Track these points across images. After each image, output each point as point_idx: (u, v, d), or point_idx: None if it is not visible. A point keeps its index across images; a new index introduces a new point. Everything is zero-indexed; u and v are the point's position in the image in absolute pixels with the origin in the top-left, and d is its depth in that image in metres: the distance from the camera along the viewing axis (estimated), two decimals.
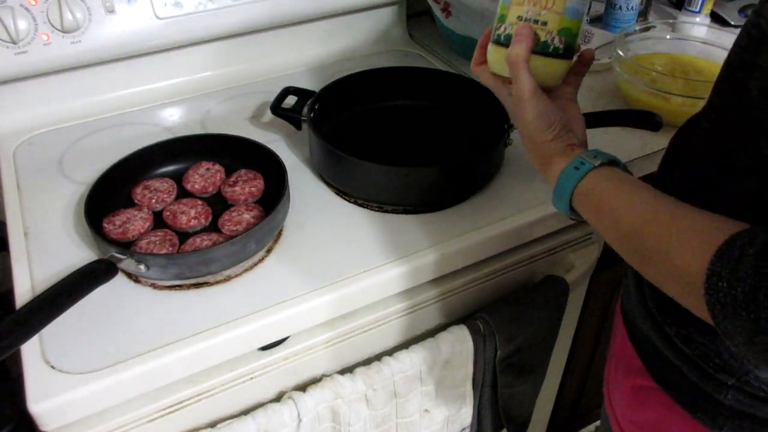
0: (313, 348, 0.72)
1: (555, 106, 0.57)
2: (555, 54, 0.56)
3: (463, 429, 0.87)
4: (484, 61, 0.62)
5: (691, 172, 0.55)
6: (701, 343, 0.53)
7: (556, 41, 0.56)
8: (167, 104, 1.02)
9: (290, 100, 0.91)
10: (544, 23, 0.55)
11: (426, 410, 0.81)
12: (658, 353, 0.59)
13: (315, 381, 0.72)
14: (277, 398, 0.71)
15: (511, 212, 0.78)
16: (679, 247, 0.43)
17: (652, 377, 0.61)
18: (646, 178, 0.64)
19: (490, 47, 0.60)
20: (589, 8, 1.27)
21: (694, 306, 0.43)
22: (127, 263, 0.65)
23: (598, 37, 1.19)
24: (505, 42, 0.57)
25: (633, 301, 0.62)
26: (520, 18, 0.56)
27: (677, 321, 0.55)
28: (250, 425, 0.66)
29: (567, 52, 0.57)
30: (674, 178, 0.58)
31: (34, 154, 0.90)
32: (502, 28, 0.58)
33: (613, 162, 0.54)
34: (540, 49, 0.56)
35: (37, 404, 0.57)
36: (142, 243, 0.71)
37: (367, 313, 0.74)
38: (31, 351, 0.61)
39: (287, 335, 0.69)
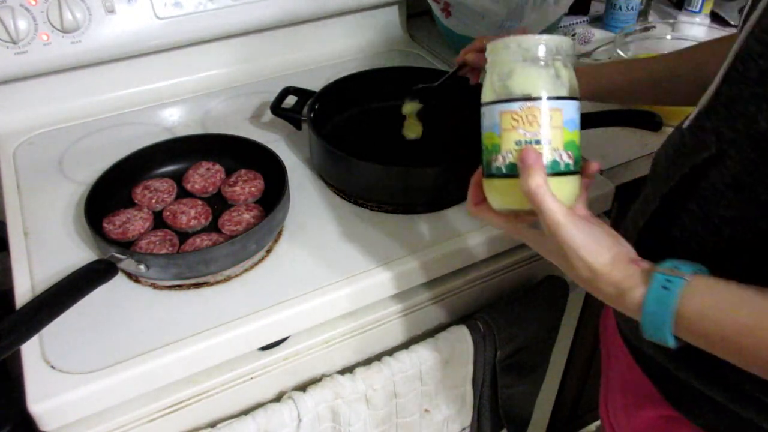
0: (313, 348, 0.72)
1: (592, 224, 0.49)
2: (567, 171, 0.50)
3: (463, 429, 0.87)
4: (482, 200, 0.56)
5: (713, 212, 0.49)
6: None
7: (565, 157, 0.50)
8: (167, 104, 1.02)
9: (290, 100, 0.91)
10: (548, 141, 0.49)
11: (426, 410, 0.81)
12: (677, 380, 0.54)
13: (315, 381, 0.72)
14: (277, 398, 0.71)
15: None
16: None
17: (674, 406, 0.56)
18: (644, 179, 0.62)
19: (490, 183, 0.53)
20: (589, 12, 1.27)
21: None
22: (127, 263, 0.65)
23: (598, 37, 1.19)
24: (508, 172, 0.51)
25: (635, 325, 0.58)
26: (518, 143, 0.50)
27: None
28: (250, 425, 0.66)
29: (576, 166, 0.51)
30: (688, 215, 0.52)
31: (34, 154, 0.90)
32: (500, 159, 0.51)
33: (697, 270, 0.46)
34: (551, 169, 0.49)
35: (37, 404, 0.57)
36: (142, 243, 0.71)
37: (367, 313, 0.74)
38: (31, 351, 0.61)
39: (287, 335, 0.69)
